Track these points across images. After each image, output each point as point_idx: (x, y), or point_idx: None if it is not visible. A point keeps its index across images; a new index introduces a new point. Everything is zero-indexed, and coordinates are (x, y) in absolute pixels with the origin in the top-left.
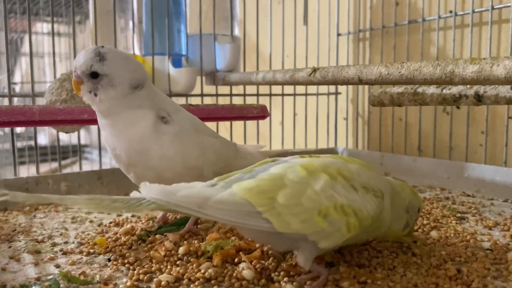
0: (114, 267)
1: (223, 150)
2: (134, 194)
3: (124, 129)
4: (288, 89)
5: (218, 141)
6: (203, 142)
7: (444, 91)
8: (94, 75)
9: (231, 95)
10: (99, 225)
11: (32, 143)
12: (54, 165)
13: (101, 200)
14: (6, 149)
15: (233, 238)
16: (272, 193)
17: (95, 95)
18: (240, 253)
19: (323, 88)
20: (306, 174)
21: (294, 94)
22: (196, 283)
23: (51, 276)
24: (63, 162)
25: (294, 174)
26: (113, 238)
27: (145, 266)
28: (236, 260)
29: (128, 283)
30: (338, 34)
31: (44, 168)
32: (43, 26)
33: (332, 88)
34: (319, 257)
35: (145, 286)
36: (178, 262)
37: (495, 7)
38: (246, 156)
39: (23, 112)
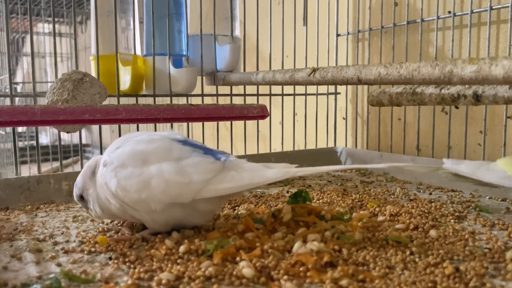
0: (115, 265)
1: (177, 176)
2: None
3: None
4: (288, 89)
5: (175, 166)
6: (143, 173)
7: (442, 91)
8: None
9: (231, 95)
10: (100, 224)
11: (34, 142)
12: (56, 164)
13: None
14: (8, 148)
15: (233, 236)
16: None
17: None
18: (240, 251)
19: (323, 88)
20: None
21: (294, 94)
22: (197, 281)
23: (53, 275)
24: (64, 162)
25: None
26: (114, 237)
27: (146, 265)
28: (237, 258)
29: (129, 282)
30: (338, 35)
31: (46, 167)
32: (44, 27)
33: (331, 88)
34: None
35: (146, 285)
36: (178, 261)
37: (493, 7)
38: (233, 177)
39: (25, 112)
